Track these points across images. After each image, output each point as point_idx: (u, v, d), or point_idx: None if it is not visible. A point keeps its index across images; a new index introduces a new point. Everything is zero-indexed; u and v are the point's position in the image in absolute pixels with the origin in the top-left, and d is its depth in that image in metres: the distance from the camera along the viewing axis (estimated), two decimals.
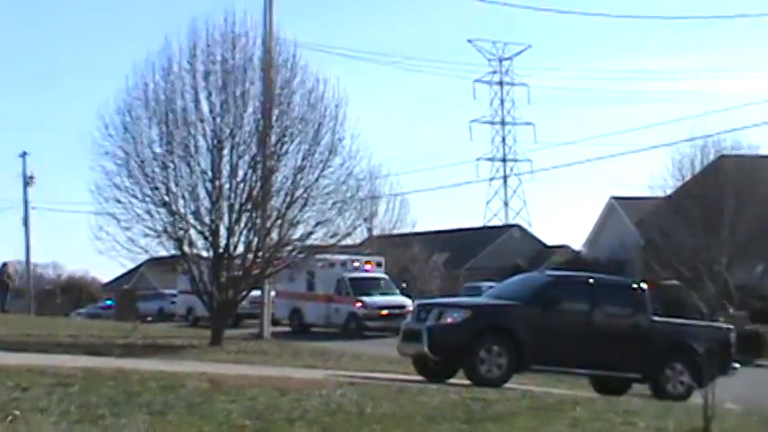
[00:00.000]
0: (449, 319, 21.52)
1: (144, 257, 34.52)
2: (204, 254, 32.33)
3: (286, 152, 31.97)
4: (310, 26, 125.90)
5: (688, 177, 48.97)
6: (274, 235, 32.18)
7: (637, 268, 53.89)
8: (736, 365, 23.82)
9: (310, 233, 32.63)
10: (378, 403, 15.04)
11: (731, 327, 25.38)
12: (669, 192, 49.68)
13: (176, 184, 31.17)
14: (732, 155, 48.46)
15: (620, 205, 69.38)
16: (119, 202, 31.27)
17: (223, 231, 31.49)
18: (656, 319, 23.47)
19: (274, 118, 31.84)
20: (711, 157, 48.70)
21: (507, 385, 20.70)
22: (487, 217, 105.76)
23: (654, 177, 51.70)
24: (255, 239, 31.90)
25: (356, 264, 50.31)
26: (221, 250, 31.48)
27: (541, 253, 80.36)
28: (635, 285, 23.82)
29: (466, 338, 21.07)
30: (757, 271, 47.55)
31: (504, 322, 21.62)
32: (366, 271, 50.32)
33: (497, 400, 16.44)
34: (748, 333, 37.20)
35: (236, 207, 31.30)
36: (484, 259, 79.77)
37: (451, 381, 21.19)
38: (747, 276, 46.87)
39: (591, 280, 23.46)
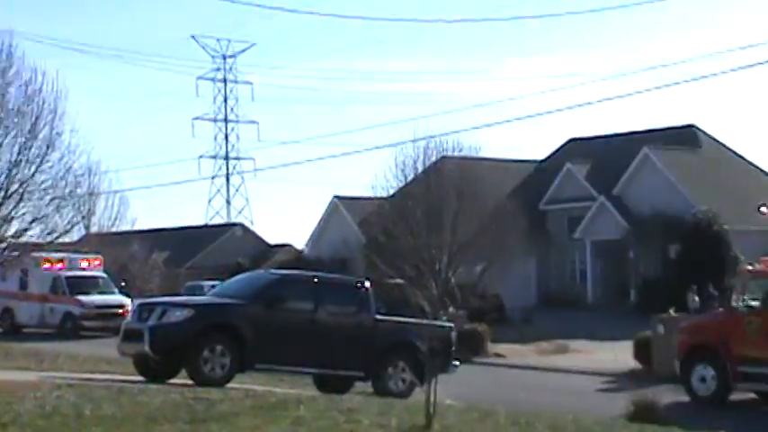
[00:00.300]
0: (171, 318, 21.20)
1: None
2: None
3: (0, 146, 30.86)
4: (27, 16, 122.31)
5: (411, 178, 49.72)
6: None
7: (360, 267, 54.48)
8: (457, 363, 24.31)
9: (25, 230, 31.66)
10: (97, 405, 14.64)
11: (452, 325, 25.89)
12: (392, 192, 50.35)
13: None
14: (454, 156, 49.44)
15: (344, 205, 70.18)
16: None
17: None
18: (380, 317, 23.67)
19: None
20: (434, 158, 49.59)
21: (230, 385, 20.54)
22: (209, 215, 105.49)
23: (377, 178, 52.48)
24: None
25: (73, 262, 49.13)
26: None
27: (264, 252, 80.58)
28: (359, 284, 23.97)
29: (188, 337, 20.77)
30: (476, 270, 48.68)
31: (228, 321, 21.43)
32: (83, 269, 49.20)
33: (221, 399, 16.28)
34: (467, 331, 38.12)
35: None
36: (205, 258, 79.35)
37: (173, 381, 20.84)
38: (468, 276, 47.93)
39: (315, 279, 23.49)
